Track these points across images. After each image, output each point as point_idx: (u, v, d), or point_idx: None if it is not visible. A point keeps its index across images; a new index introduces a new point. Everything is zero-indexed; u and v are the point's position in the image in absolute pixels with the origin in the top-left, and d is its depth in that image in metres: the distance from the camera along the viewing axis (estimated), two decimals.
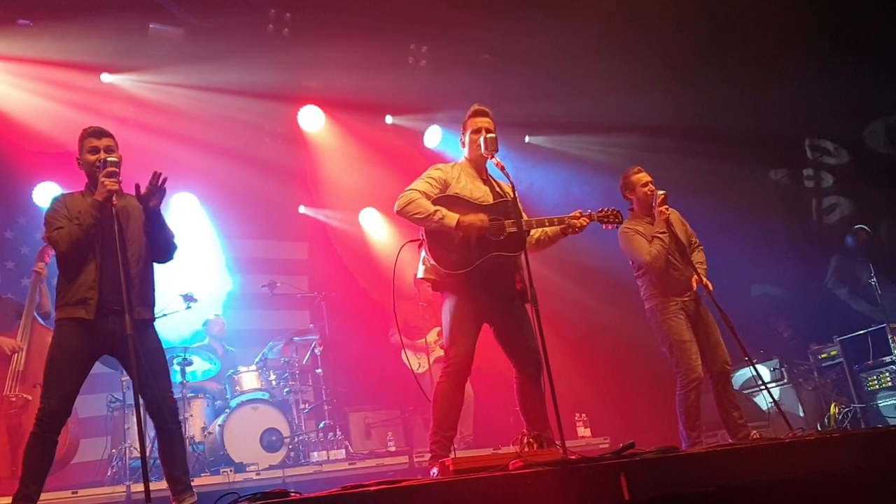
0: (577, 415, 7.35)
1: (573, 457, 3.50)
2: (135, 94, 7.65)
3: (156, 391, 4.03)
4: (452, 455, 4.31)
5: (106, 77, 7.47)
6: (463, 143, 4.74)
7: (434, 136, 9.00)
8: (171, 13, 6.96)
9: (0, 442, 5.90)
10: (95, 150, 4.14)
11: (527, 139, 9.50)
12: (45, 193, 7.46)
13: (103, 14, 6.67)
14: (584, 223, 4.58)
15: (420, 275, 4.55)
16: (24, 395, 5.88)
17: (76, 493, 5.35)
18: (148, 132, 7.72)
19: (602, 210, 4.79)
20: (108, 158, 4.06)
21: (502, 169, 4.35)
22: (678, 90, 8.23)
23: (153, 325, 4.23)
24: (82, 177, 4.25)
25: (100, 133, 4.21)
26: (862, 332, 7.34)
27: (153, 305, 4.26)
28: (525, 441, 3.99)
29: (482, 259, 4.35)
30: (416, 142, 9.01)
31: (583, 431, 7.28)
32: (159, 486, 4.92)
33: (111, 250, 3.98)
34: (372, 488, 3.09)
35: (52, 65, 6.97)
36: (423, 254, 4.51)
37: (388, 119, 8.92)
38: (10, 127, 7.14)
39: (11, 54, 6.88)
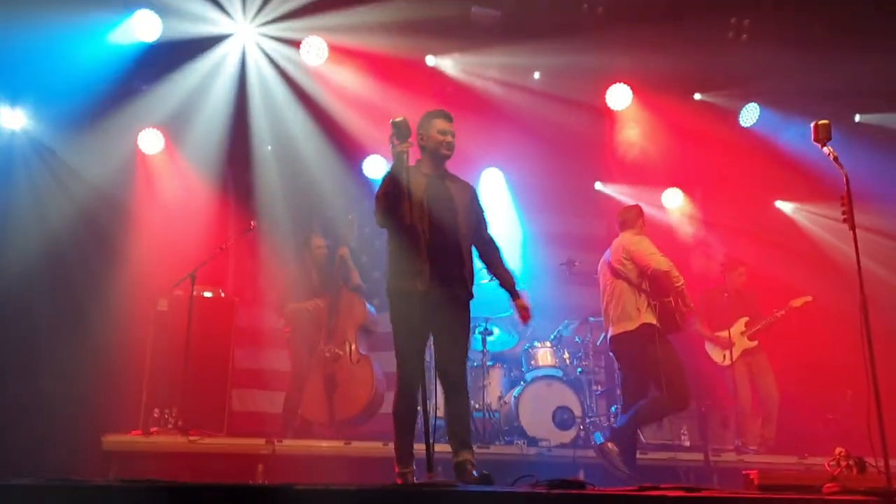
0: None
1: None
2: (454, 75, 8.05)
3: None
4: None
5: (430, 59, 7.94)
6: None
7: (750, 115, 8.43)
8: None
9: (318, 391, 6.69)
10: (444, 133, 4.50)
11: (857, 118, 8.52)
12: (374, 166, 8.24)
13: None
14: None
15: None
16: (336, 350, 6.72)
17: (386, 444, 5.80)
18: (463, 111, 8.13)
19: None
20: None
21: (836, 160, 3.95)
22: None
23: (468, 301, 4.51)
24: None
25: (449, 117, 4.57)
26: None
27: (471, 282, 4.51)
28: (843, 462, 3.66)
29: None
30: (729, 120, 8.50)
31: None
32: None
33: (439, 226, 4.31)
34: (670, 493, 3.02)
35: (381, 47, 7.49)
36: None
37: (698, 96, 8.50)
38: (347, 107, 7.84)
39: (345, 39, 7.49)
